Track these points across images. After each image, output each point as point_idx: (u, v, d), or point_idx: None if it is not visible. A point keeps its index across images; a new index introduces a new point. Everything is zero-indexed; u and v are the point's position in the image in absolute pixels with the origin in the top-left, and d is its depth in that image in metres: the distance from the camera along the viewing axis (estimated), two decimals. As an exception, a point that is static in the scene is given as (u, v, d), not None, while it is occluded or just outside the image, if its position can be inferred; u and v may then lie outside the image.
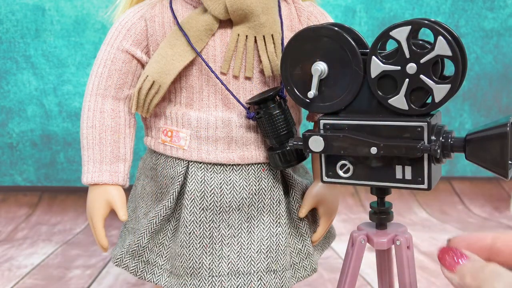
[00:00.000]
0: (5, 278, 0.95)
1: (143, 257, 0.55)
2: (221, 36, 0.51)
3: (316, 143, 0.43)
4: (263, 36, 0.50)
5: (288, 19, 0.52)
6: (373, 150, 0.41)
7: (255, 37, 0.50)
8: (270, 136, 0.50)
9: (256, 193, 0.53)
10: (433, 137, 0.39)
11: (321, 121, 0.43)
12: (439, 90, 0.39)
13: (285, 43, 0.51)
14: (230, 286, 0.52)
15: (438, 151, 0.39)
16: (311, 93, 0.43)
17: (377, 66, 0.40)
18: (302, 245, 0.56)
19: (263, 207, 0.53)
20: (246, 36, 0.50)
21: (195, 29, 0.49)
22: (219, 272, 0.52)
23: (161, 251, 0.55)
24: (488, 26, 1.32)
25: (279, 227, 0.54)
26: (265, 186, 0.53)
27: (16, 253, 1.07)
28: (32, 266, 1.00)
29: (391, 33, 0.39)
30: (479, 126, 0.39)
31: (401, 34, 0.39)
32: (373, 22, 1.29)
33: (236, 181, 0.52)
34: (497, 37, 1.33)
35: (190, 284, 0.52)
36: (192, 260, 0.52)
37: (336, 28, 0.42)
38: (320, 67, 0.42)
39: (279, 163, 0.50)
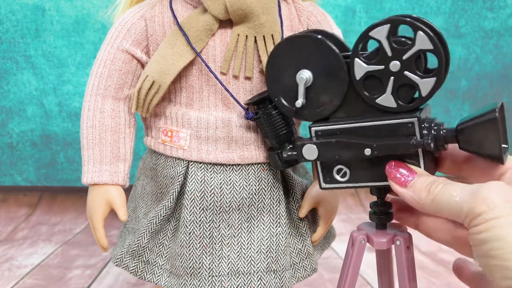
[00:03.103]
0: (5, 278, 0.95)
1: (143, 257, 0.55)
2: (221, 36, 0.51)
3: (310, 152, 0.43)
4: (263, 36, 0.50)
5: (288, 19, 0.52)
6: (367, 151, 0.41)
7: (255, 37, 0.50)
8: (270, 136, 0.50)
9: (256, 193, 0.53)
10: (424, 131, 0.40)
11: (312, 128, 0.44)
12: (425, 84, 0.39)
13: (285, 43, 0.51)
14: (230, 286, 0.52)
15: (431, 144, 0.39)
16: (299, 102, 0.43)
17: (360, 68, 0.40)
18: (302, 245, 0.56)
19: (263, 207, 0.53)
20: (246, 36, 0.50)
21: (195, 29, 0.49)
22: (219, 272, 0.52)
23: (161, 251, 0.55)
24: (488, 26, 1.32)
25: (279, 227, 0.54)
26: (265, 186, 0.53)
27: (16, 253, 1.07)
28: (32, 266, 1.00)
29: (370, 34, 0.39)
30: (468, 115, 0.39)
31: (380, 33, 0.39)
32: (373, 22, 1.29)
33: (236, 181, 0.52)
34: (497, 37, 1.33)
35: (190, 284, 0.52)
36: (192, 260, 0.52)
37: (316, 35, 0.42)
38: (305, 75, 0.42)
39: (279, 163, 0.50)
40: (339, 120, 0.43)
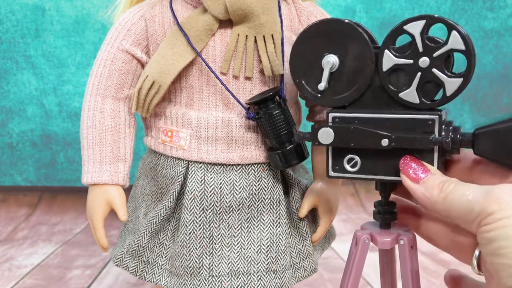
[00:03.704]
0: (5, 278, 0.95)
1: (143, 257, 0.55)
2: (221, 36, 0.51)
3: (326, 135, 0.43)
4: (263, 36, 0.50)
5: (288, 19, 0.52)
6: (384, 142, 0.41)
7: (255, 37, 0.50)
8: (270, 136, 0.50)
9: (256, 193, 0.53)
10: (443, 132, 0.40)
11: (330, 114, 0.43)
12: (451, 84, 0.39)
13: (285, 43, 0.51)
14: (230, 286, 0.52)
15: (450, 143, 0.39)
16: (322, 85, 0.43)
17: (389, 60, 0.41)
18: (302, 245, 0.56)
19: (263, 207, 0.53)
20: (246, 36, 0.50)
21: (195, 29, 0.49)
22: (219, 272, 0.52)
23: (161, 251, 0.55)
24: (488, 26, 1.32)
25: (279, 227, 0.54)
26: (265, 186, 0.53)
27: (16, 253, 1.07)
28: (32, 266, 1.00)
29: (405, 27, 0.40)
30: (485, 121, 0.39)
31: (415, 28, 0.39)
32: (373, 22, 1.29)
33: (236, 181, 0.52)
34: (497, 37, 1.33)
35: (190, 284, 0.52)
36: (192, 260, 0.52)
37: (347, 21, 0.42)
38: (331, 60, 0.42)
39: (279, 163, 0.50)
40: (358, 109, 0.43)
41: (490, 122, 0.39)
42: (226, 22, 0.50)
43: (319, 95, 0.44)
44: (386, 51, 0.41)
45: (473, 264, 0.40)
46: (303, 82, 0.44)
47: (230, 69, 0.51)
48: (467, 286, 0.44)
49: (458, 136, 0.40)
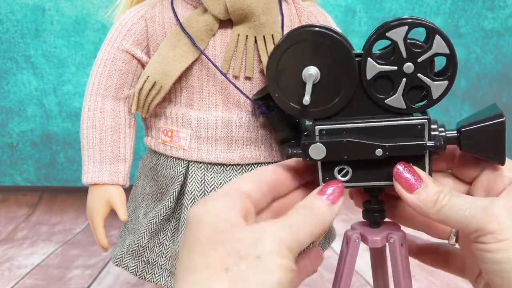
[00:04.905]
0: (5, 278, 0.95)
1: (143, 257, 0.55)
2: (221, 36, 0.51)
3: (317, 151, 0.42)
4: (263, 36, 0.50)
5: (288, 19, 0.52)
6: (378, 152, 0.40)
7: (255, 37, 0.50)
8: (286, 128, 0.49)
9: (256, 193, 0.53)
10: (432, 133, 0.40)
11: (316, 127, 0.43)
12: (437, 87, 0.39)
13: (285, 43, 0.51)
14: (230, 286, 0.52)
15: (445, 146, 0.39)
16: (306, 99, 0.42)
17: (373, 68, 0.40)
18: (302, 245, 0.56)
19: (263, 207, 0.53)
20: (246, 36, 0.50)
21: (196, 29, 0.49)
22: (219, 272, 0.52)
23: (161, 251, 0.55)
24: (488, 26, 1.32)
25: (279, 227, 0.54)
26: (265, 186, 0.53)
27: (16, 253, 1.07)
28: (32, 266, 1.00)
29: (387, 34, 0.39)
30: (469, 116, 0.40)
31: (398, 34, 0.39)
32: (373, 22, 1.29)
33: (236, 181, 0.52)
34: (497, 37, 1.33)
35: (190, 284, 0.52)
36: (192, 260, 0.52)
37: (326, 31, 0.41)
38: (313, 72, 0.42)
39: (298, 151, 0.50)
40: (344, 118, 0.42)
41: (474, 118, 0.39)
42: (227, 22, 0.50)
43: (300, 109, 0.43)
44: (369, 59, 0.40)
45: (451, 237, 0.40)
46: (282, 97, 0.44)
47: (230, 69, 0.51)
48: (420, 248, 0.45)
49: (446, 134, 0.40)
